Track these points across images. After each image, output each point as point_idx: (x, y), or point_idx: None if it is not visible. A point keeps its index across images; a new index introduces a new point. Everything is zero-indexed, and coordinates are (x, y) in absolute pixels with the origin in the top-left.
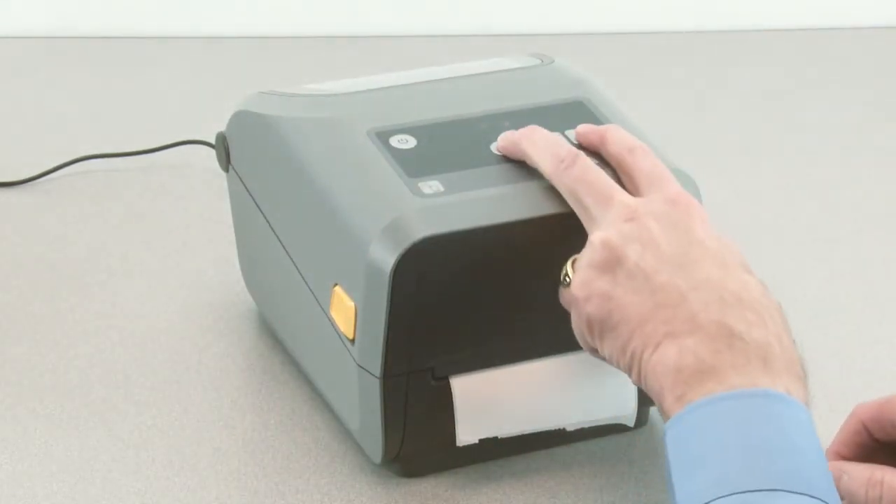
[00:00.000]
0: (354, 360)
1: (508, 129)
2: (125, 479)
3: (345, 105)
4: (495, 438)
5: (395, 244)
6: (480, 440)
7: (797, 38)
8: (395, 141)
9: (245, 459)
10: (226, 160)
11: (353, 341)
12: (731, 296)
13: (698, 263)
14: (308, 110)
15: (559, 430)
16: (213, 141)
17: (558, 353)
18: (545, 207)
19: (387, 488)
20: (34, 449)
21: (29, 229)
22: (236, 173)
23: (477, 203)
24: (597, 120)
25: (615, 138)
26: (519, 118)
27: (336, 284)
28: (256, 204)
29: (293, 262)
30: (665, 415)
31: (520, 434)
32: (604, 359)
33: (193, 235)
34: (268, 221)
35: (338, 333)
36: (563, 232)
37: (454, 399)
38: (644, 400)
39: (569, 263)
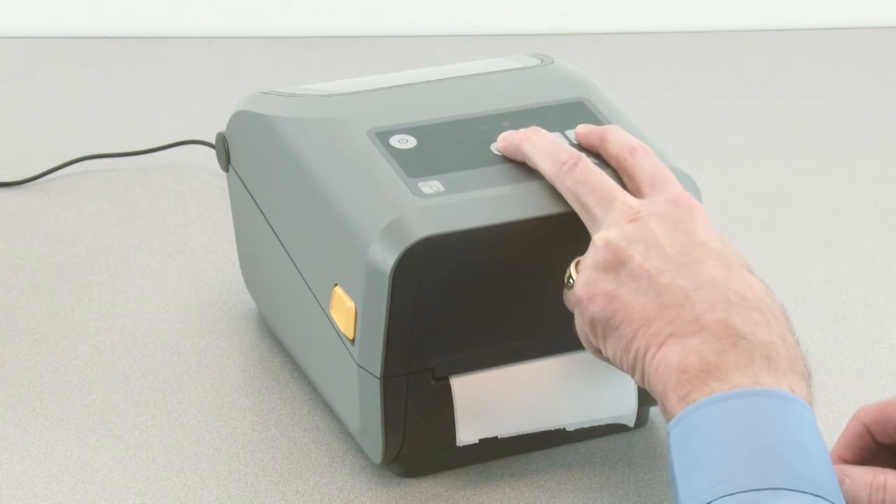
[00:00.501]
0: (354, 360)
1: (508, 129)
2: (125, 479)
3: (345, 105)
4: (495, 438)
5: (395, 244)
6: (480, 440)
7: (797, 38)
8: (395, 141)
9: (245, 459)
10: (226, 160)
11: (353, 341)
12: (736, 295)
13: (702, 264)
14: (308, 110)
15: (559, 430)
16: (213, 141)
17: (558, 353)
18: (545, 207)
19: (387, 488)
20: (34, 449)
21: (29, 229)
22: (236, 173)
23: (477, 203)
24: (597, 120)
25: (616, 139)
26: (519, 118)
27: (336, 284)
28: (256, 204)
29: (293, 262)
30: (668, 414)
31: (520, 434)
32: (607, 359)
33: (193, 235)
34: (268, 221)
35: (338, 333)
36: (564, 232)
37: (454, 399)
38: (644, 400)
39: (572, 265)
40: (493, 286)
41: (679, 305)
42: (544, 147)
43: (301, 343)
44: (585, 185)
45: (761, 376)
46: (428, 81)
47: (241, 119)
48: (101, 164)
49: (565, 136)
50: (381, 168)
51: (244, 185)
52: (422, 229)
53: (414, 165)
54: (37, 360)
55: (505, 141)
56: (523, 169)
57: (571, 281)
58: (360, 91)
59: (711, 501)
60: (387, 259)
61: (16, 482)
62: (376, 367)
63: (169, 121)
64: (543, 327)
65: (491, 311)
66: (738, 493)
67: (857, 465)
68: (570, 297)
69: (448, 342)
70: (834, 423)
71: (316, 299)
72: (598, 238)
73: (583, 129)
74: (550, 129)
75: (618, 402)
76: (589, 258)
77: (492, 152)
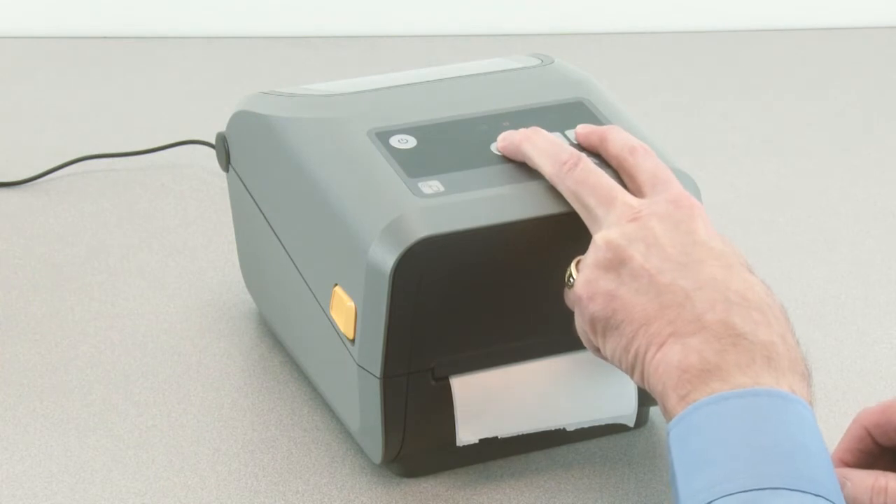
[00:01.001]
0: (354, 360)
1: (508, 129)
2: (125, 479)
3: (345, 105)
4: (495, 438)
5: (395, 244)
6: (480, 440)
7: (797, 38)
8: (395, 141)
9: (245, 459)
10: (226, 160)
11: (353, 341)
12: (736, 295)
13: (702, 263)
14: (308, 110)
15: (559, 430)
16: (213, 141)
17: (558, 353)
18: (545, 207)
19: (387, 488)
20: (34, 449)
21: (29, 229)
22: (236, 173)
23: (477, 203)
24: (597, 120)
25: (616, 139)
26: (519, 118)
27: (336, 284)
28: (256, 204)
29: (293, 262)
30: (668, 414)
31: (520, 434)
32: (606, 358)
33: (193, 235)
34: (268, 221)
35: (338, 333)
36: (564, 232)
37: (454, 399)
38: (644, 400)
39: (573, 264)
40: (493, 286)
41: (680, 305)
42: (544, 147)
43: (301, 343)
44: (586, 184)
45: (762, 376)
46: (428, 81)
47: (241, 119)
48: (101, 164)
49: (565, 136)
50: (381, 168)
51: (244, 185)
52: (422, 229)
53: (414, 165)
54: (37, 360)
55: (505, 141)
56: (523, 169)
57: (572, 280)
58: (360, 91)
59: (712, 501)
60: (387, 259)
61: (16, 482)
62: (376, 367)
63: (169, 121)
64: (543, 327)
65: (491, 311)
66: (739, 492)
67: (858, 468)
68: (570, 296)
69: (448, 342)
70: (834, 424)
71: (316, 299)
72: (598, 237)
73: (583, 130)
74: (550, 129)
75: (618, 402)
76: (590, 257)
77: (492, 152)
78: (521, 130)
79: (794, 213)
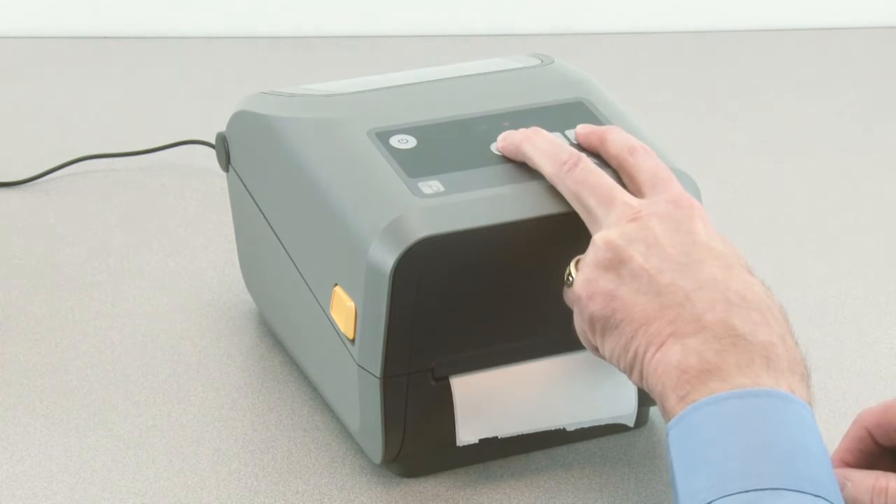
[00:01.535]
0: (354, 360)
1: (508, 129)
2: (125, 479)
3: (345, 105)
4: (495, 438)
5: (395, 244)
6: (480, 440)
7: (797, 38)
8: (395, 141)
9: (245, 459)
10: (226, 160)
11: (353, 341)
12: (736, 296)
13: (702, 264)
14: (308, 110)
15: (559, 430)
16: (213, 141)
17: (558, 353)
18: (545, 207)
19: (387, 488)
20: (34, 449)
21: (29, 229)
22: (236, 173)
23: (477, 203)
24: (597, 120)
25: (615, 139)
26: (519, 118)
27: (336, 284)
28: (256, 204)
29: (293, 262)
30: (667, 415)
31: (520, 434)
32: (605, 358)
33: (193, 235)
34: (268, 221)
35: (338, 333)
36: (564, 232)
37: (454, 399)
38: (644, 400)
39: (572, 263)
40: (493, 286)
41: (679, 305)
42: (544, 147)
43: (301, 343)
44: (586, 184)
45: (761, 377)
46: (428, 81)
47: (241, 119)
48: (101, 164)
49: (565, 136)
50: (381, 168)
51: (244, 185)
52: (422, 229)
53: (414, 165)
54: (37, 360)
55: (505, 141)
56: (523, 169)
57: (571, 279)
58: (360, 91)
59: (711, 501)
60: (387, 259)
61: (16, 482)
62: (376, 367)
63: (169, 121)
64: (543, 327)
65: (491, 311)
66: (739, 493)
67: (858, 468)
68: (569, 295)
69: (448, 342)
70: (834, 424)
71: (316, 299)
72: (598, 237)
73: (582, 130)
74: (550, 129)
75: (618, 402)
76: (589, 257)
77: (492, 152)
78: (522, 130)
79: (794, 213)
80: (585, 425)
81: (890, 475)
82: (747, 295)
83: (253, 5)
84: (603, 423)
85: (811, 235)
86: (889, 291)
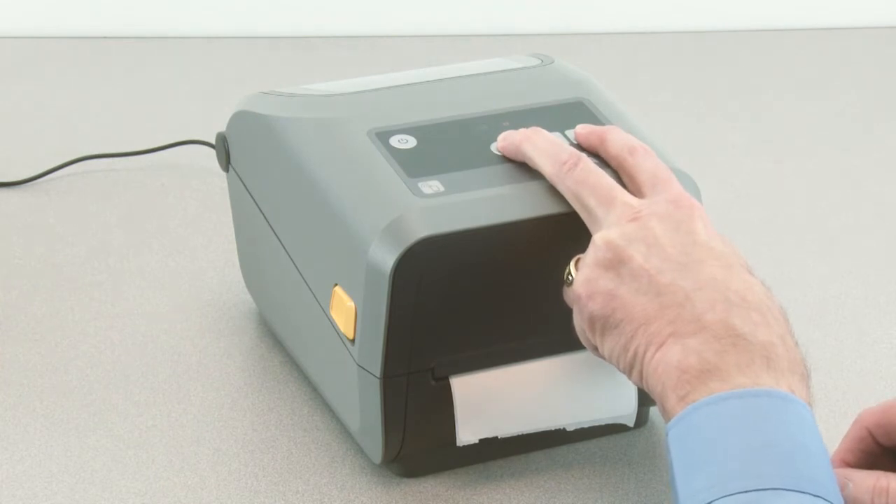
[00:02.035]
0: (354, 360)
1: (508, 129)
2: (125, 479)
3: (345, 105)
4: (495, 438)
5: (395, 244)
6: (480, 440)
7: (797, 38)
8: (395, 141)
9: (245, 459)
10: (226, 160)
11: (353, 341)
12: (736, 296)
13: (702, 264)
14: (308, 110)
15: (559, 430)
16: (213, 141)
17: (558, 353)
18: (545, 207)
19: (387, 488)
20: (34, 449)
21: (29, 229)
22: (236, 173)
23: (477, 203)
24: (597, 120)
25: (615, 139)
26: (519, 118)
27: (336, 284)
28: (256, 204)
29: (293, 262)
30: (667, 415)
31: (520, 434)
32: (604, 357)
33: (193, 235)
34: (268, 221)
35: (338, 333)
36: (564, 232)
37: (454, 399)
38: (644, 400)
39: (572, 262)
40: (493, 286)
41: (679, 305)
42: (544, 147)
43: (301, 343)
44: (586, 184)
45: (761, 377)
46: (428, 81)
47: (241, 119)
48: (101, 164)
49: (565, 136)
50: (381, 168)
51: (244, 185)
52: (422, 229)
53: (414, 165)
54: (37, 360)
55: (505, 141)
56: (523, 169)
57: (571, 278)
58: (360, 91)
59: (711, 501)
60: (387, 259)
61: (16, 482)
62: (376, 367)
63: (169, 121)
64: (543, 327)
65: (491, 311)
66: (739, 493)
67: (859, 468)
68: (569, 294)
69: (448, 342)
70: (834, 424)
71: (316, 299)
72: (598, 237)
73: (582, 130)
74: (550, 129)
75: (618, 403)
76: (589, 256)
77: (492, 152)
78: (522, 130)
79: (794, 213)
80: (585, 425)
81: (891, 475)
82: (747, 295)
83: (253, 5)
84: (603, 424)
85: (811, 235)
86: (889, 291)
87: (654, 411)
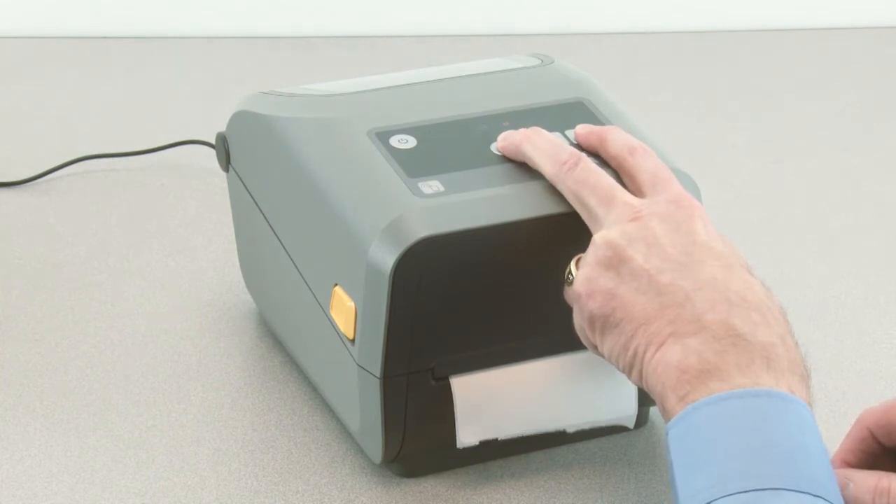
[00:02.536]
0: (354, 360)
1: (508, 129)
2: (125, 479)
3: (345, 105)
4: (495, 440)
5: (395, 244)
6: (480, 441)
7: (797, 38)
8: (395, 141)
9: (245, 459)
10: (226, 160)
11: (353, 341)
12: (736, 296)
13: (702, 264)
14: (308, 110)
15: (560, 431)
16: (213, 141)
17: (558, 354)
18: (545, 207)
19: (387, 488)
20: (34, 449)
21: (29, 229)
22: (236, 173)
23: (477, 203)
24: (597, 120)
25: (615, 139)
26: (519, 118)
27: (336, 284)
28: (256, 204)
29: (293, 262)
30: (667, 414)
31: (520, 435)
32: (604, 357)
33: (193, 235)
34: (268, 221)
35: (338, 333)
36: (564, 232)
37: (454, 399)
38: (644, 400)
39: (573, 262)
40: (493, 286)
41: (679, 305)
42: (544, 147)
43: (301, 343)
44: (586, 184)
45: (761, 377)
46: (428, 81)
47: (241, 119)
48: (101, 164)
49: (565, 136)
50: (381, 168)
51: (244, 185)
52: (422, 229)
53: (414, 165)
54: (37, 360)
55: (505, 141)
56: (523, 169)
57: (571, 277)
58: (360, 91)
59: (711, 501)
60: (387, 259)
61: (16, 482)
62: (376, 367)
63: (169, 121)
64: (544, 327)
65: (491, 311)
66: (738, 493)
67: (860, 468)
68: (569, 293)
69: (448, 342)
70: (834, 424)
71: (316, 299)
72: (598, 237)
73: (582, 130)
74: (550, 129)
75: (618, 404)
76: (590, 255)
77: (492, 152)
78: (522, 130)
79: (794, 213)
80: (586, 427)
81: (892, 476)
82: (747, 295)
83: (253, 5)
84: (603, 426)
85: (811, 235)
86: (889, 291)
87: (654, 411)
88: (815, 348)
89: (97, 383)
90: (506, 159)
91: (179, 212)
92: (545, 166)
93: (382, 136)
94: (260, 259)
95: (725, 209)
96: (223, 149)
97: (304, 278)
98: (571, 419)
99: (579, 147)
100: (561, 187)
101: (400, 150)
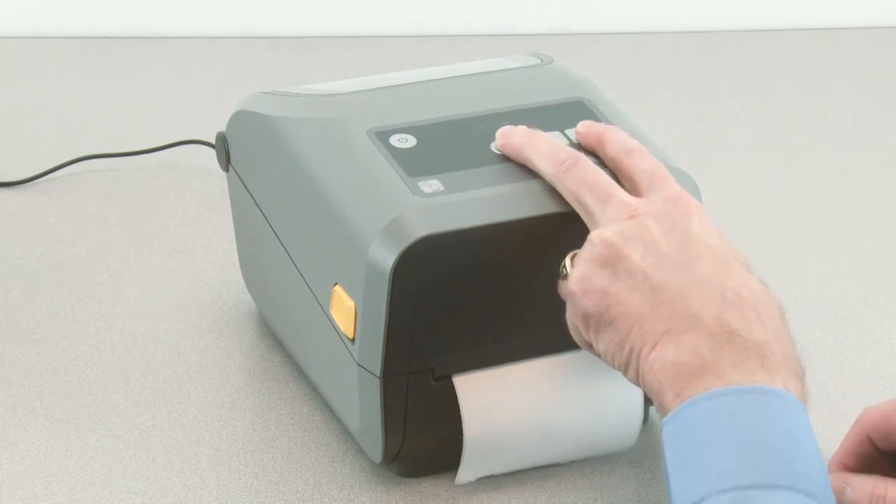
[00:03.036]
0: (354, 359)
1: None
2: (125, 479)
3: (345, 105)
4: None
5: (394, 243)
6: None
7: (797, 38)
8: (395, 140)
9: (245, 459)
10: (226, 160)
11: (352, 341)
12: (732, 293)
13: (698, 261)
14: (308, 110)
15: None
16: (213, 141)
17: (559, 353)
18: (545, 207)
19: (387, 488)
20: (34, 449)
21: (29, 229)
22: (236, 173)
23: (477, 202)
24: (596, 119)
25: (613, 140)
26: (519, 118)
27: (336, 284)
28: (256, 204)
29: (293, 261)
30: (663, 411)
31: (521, 469)
32: (598, 355)
33: (193, 235)
34: (268, 221)
35: (338, 333)
36: (563, 231)
37: (458, 397)
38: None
39: (568, 258)
40: (493, 285)
41: (674, 302)
42: (544, 149)
43: (301, 343)
44: (584, 183)
45: (756, 374)
46: (428, 81)
47: (241, 119)
48: (101, 164)
49: (565, 136)
50: (380, 167)
51: (244, 184)
52: (421, 228)
53: (414, 165)
54: (37, 360)
55: (505, 140)
56: (523, 168)
57: (565, 272)
58: (360, 91)
59: (705, 497)
60: (387, 258)
61: (16, 482)
62: (376, 367)
63: (169, 121)
64: (544, 326)
65: (491, 311)
66: (732, 489)
67: (858, 471)
68: (563, 289)
69: (448, 341)
70: (833, 424)
71: (316, 299)
72: (594, 234)
73: (582, 128)
74: (550, 129)
75: (624, 403)
76: (585, 253)
77: (491, 151)
78: (521, 129)
79: (794, 213)
80: (584, 455)
81: (889, 481)
82: (743, 292)
83: (253, 5)
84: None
85: (811, 235)
86: (889, 291)
87: (654, 410)
88: (815, 348)
89: (97, 383)
90: (505, 158)
91: (179, 212)
92: (544, 167)
93: (382, 136)
94: (260, 259)
95: (725, 209)
96: (223, 149)
97: (304, 278)
98: (573, 443)
99: (579, 147)
100: (560, 187)
101: (400, 149)
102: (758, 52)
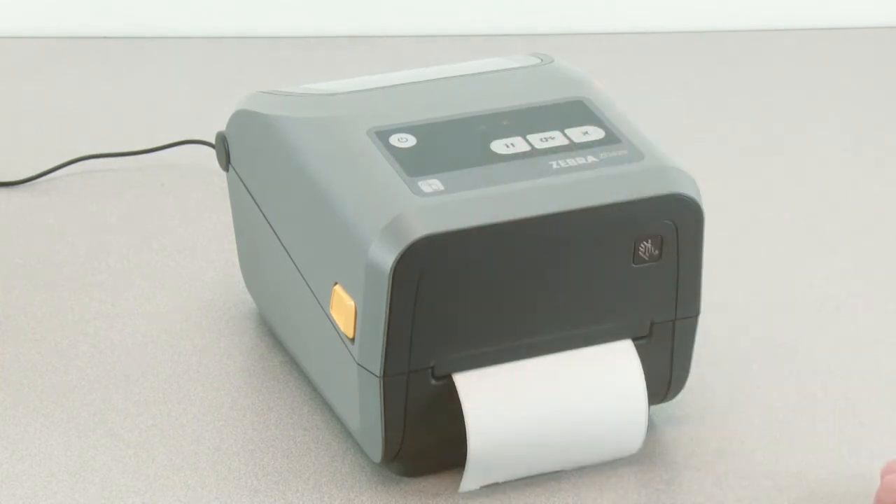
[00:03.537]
0: (354, 359)
1: (507, 128)
2: (125, 479)
3: (345, 105)
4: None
5: (394, 243)
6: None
7: (797, 38)
8: (394, 140)
9: (245, 459)
10: (226, 160)
11: (352, 340)
12: None
13: None
14: (308, 110)
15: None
16: (213, 141)
17: (559, 351)
18: (545, 207)
19: (387, 488)
20: (34, 449)
21: (29, 229)
22: (236, 173)
23: (476, 202)
24: (597, 119)
25: None
26: (519, 118)
27: (336, 283)
28: (256, 204)
29: (293, 261)
30: None
31: (524, 476)
32: None
33: (193, 235)
34: (268, 221)
35: (338, 333)
36: (563, 231)
37: (460, 397)
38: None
39: None
40: (492, 285)
41: None
42: None
43: (301, 343)
44: None
45: None
46: (428, 81)
47: (241, 119)
48: (101, 164)
49: (564, 134)
50: (380, 167)
51: (244, 184)
52: (421, 228)
53: (414, 164)
54: (37, 360)
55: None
56: (523, 168)
57: None
58: (359, 90)
59: None
60: (386, 258)
61: (16, 482)
62: (376, 366)
63: (169, 121)
64: (543, 326)
65: (491, 310)
66: None
67: None
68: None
69: (448, 341)
70: (833, 424)
71: (316, 298)
72: None
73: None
74: (550, 128)
75: (626, 403)
76: None
77: (492, 151)
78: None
79: (794, 213)
80: (590, 461)
81: None
82: None
83: (253, 5)
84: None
85: (811, 235)
86: (889, 291)
87: (653, 410)
88: (815, 348)
89: (97, 383)
90: (505, 158)
91: (179, 212)
92: None
93: (382, 135)
94: (260, 259)
95: (725, 209)
96: (223, 148)
97: (303, 277)
98: (576, 455)
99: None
100: None
101: (400, 148)
102: (758, 52)
